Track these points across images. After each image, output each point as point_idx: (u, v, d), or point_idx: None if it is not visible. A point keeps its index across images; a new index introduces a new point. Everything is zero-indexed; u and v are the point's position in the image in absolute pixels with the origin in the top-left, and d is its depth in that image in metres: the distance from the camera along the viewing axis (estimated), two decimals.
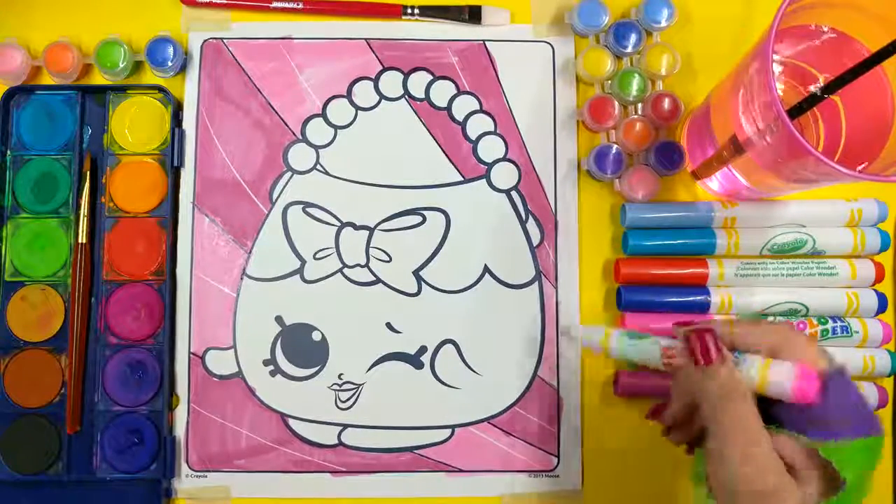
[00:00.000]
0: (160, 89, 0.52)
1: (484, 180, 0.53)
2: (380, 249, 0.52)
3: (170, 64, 0.51)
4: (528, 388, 0.51)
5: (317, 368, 0.51)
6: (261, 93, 0.53)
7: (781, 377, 0.34)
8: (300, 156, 0.52)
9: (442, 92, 0.53)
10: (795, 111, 0.40)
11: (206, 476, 0.50)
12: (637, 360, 0.39)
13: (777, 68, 0.46)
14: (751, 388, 0.35)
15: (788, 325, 0.37)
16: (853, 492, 0.33)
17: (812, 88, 0.45)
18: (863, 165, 0.43)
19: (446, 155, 0.53)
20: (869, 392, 0.50)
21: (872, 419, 0.35)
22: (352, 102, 0.53)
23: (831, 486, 0.33)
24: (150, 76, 0.53)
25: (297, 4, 0.53)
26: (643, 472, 0.51)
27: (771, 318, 0.50)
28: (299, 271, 0.52)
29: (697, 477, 0.36)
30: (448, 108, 0.53)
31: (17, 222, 0.51)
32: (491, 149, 0.53)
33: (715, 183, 0.51)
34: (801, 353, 0.35)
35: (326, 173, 0.52)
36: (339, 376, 0.51)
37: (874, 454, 0.35)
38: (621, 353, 0.40)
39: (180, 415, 0.50)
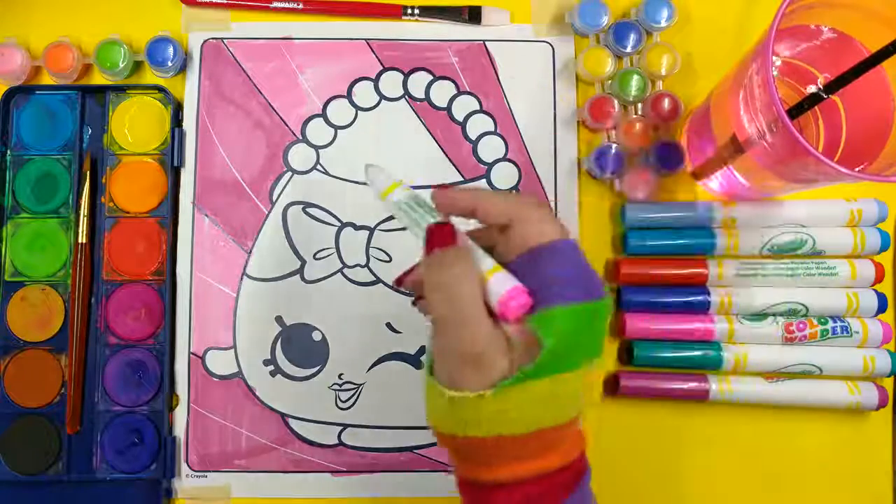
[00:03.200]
0: (160, 89, 0.52)
1: (484, 180, 0.53)
2: (380, 249, 0.52)
3: (170, 64, 0.52)
4: None
5: (317, 368, 0.51)
6: (261, 93, 0.53)
7: (493, 290, 0.34)
8: (300, 156, 0.52)
9: (442, 92, 0.53)
10: (795, 111, 0.40)
11: (206, 476, 0.50)
12: (404, 223, 0.39)
13: (777, 68, 0.46)
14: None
15: (524, 198, 0.36)
16: (554, 359, 0.32)
17: (812, 88, 0.45)
18: (863, 165, 0.43)
19: (446, 155, 0.53)
20: (869, 392, 0.50)
21: (591, 286, 0.34)
22: (352, 103, 0.53)
23: (535, 355, 0.32)
24: (150, 76, 0.53)
25: (297, 5, 0.53)
26: (643, 473, 0.51)
27: (770, 318, 0.50)
28: (299, 271, 0.52)
29: (429, 368, 0.35)
30: (448, 108, 0.53)
31: (17, 222, 0.51)
32: (491, 149, 0.53)
33: (715, 183, 0.51)
34: (532, 227, 0.34)
35: (326, 173, 0.52)
36: (340, 376, 0.51)
37: (587, 320, 0.33)
38: (395, 210, 0.39)
39: (180, 415, 0.50)
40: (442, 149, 0.53)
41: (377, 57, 0.53)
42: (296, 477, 0.50)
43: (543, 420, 0.33)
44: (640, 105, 0.53)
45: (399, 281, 0.40)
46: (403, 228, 0.54)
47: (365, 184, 0.52)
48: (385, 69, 0.53)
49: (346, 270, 0.52)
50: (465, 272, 0.34)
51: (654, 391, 0.50)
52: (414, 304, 0.41)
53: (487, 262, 0.35)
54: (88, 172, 0.51)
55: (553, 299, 0.33)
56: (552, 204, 0.52)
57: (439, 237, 0.36)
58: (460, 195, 0.37)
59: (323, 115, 0.53)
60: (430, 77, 0.53)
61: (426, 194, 0.38)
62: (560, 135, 0.53)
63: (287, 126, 0.53)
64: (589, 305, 0.33)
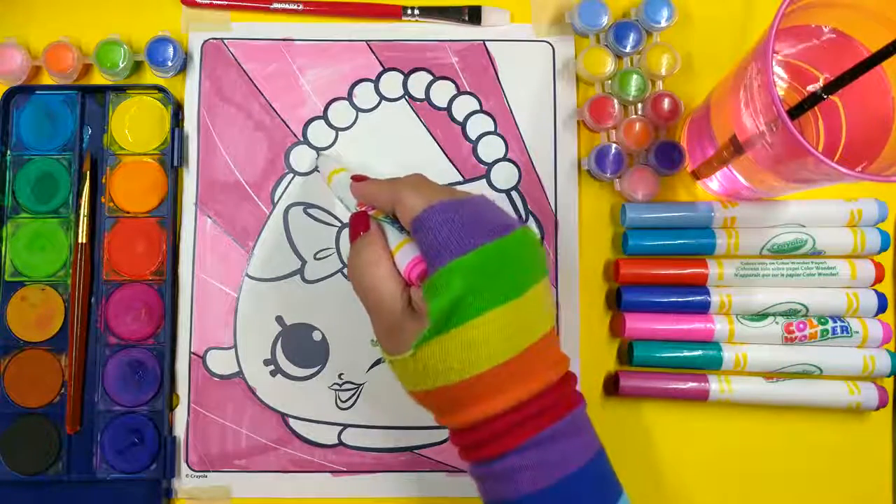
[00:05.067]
0: (160, 89, 0.52)
1: (484, 180, 0.53)
2: None
3: (170, 64, 0.52)
4: None
5: (317, 368, 0.51)
6: (262, 94, 0.53)
7: (399, 264, 0.39)
8: (301, 157, 0.52)
9: (442, 92, 0.53)
10: (795, 111, 0.40)
11: (206, 476, 0.50)
12: (343, 200, 0.46)
13: (777, 68, 0.46)
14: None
15: (402, 180, 0.40)
16: (445, 316, 0.35)
17: (812, 88, 0.45)
18: (863, 165, 0.43)
19: (446, 155, 0.53)
20: (869, 392, 0.50)
21: (465, 241, 0.36)
22: (353, 104, 0.53)
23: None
24: (150, 76, 0.53)
25: (297, 6, 0.53)
26: (643, 472, 0.51)
27: (770, 318, 0.50)
28: (300, 271, 0.52)
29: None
30: (448, 109, 0.53)
31: (17, 222, 0.51)
32: (491, 149, 0.53)
33: (715, 183, 0.51)
34: (404, 206, 0.38)
35: None
36: (340, 376, 0.51)
37: (468, 271, 0.35)
38: (337, 193, 0.47)
39: (180, 415, 0.50)
40: (442, 149, 0.53)
41: (377, 58, 0.53)
42: (296, 477, 0.50)
43: (477, 365, 0.35)
44: (640, 105, 0.53)
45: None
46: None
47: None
48: (385, 70, 0.53)
49: (346, 270, 0.52)
50: (372, 258, 0.39)
51: (654, 391, 0.50)
52: None
53: (396, 238, 0.39)
54: (88, 172, 0.51)
55: (432, 266, 0.36)
56: (552, 204, 0.52)
57: (354, 225, 0.41)
58: (357, 188, 0.43)
59: (324, 116, 0.53)
60: (430, 77, 0.53)
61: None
62: (560, 135, 0.53)
63: (288, 127, 0.53)
64: (463, 259, 0.35)
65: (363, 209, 0.43)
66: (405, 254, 0.38)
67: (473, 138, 0.53)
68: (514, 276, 0.36)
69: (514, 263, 0.37)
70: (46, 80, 0.53)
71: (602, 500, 0.37)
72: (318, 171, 0.51)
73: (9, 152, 0.52)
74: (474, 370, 0.35)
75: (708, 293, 0.50)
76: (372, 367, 0.51)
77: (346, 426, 0.51)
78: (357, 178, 0.44)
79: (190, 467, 0.50)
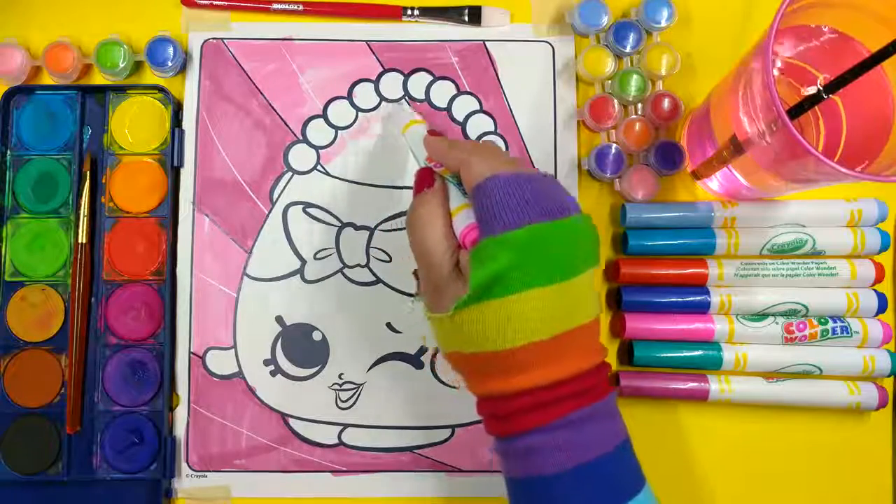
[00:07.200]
0: (160, 89, 0.52)
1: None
2: (380, 249, 0.52)
3: (170, 64, 0.52)
4: None
5: (317, 368, 0.51)
6: (261, 93, 0.53)
7: (456, 227, 0.39)
8: (300, 156, 0.52)
9: (442, 92, 0.53)
10: (795, 111, 0.39)
11: (206, 476, 0.50)
12: (414, 152, 0.47)
13: (777, 68, 0.46)
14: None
15: (471, 144, 0.42)
16: (487, 286, 0.35)
17: (812, 88, 0.45)
18: (863, 165, 0.43)
19: None
20: (869, 392, 0.50)
21: (522, 215, 0.36)
22: (352, 104, 0.53)
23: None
24: (150, 76, 0.53)
25: (297, 6, 0.53)
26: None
27: (770, 318, 0.50)
28: (299, 271, 0.52)
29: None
30: (448, 109, 0.53)
31: (17, 222, 0.51)
32: None
33: (715, 183, 0.51)
34: (470, 170, 0.38)
35: (327, 174, 0.52)
36: (340, 376, 0.51)
37: (518, 246, 0.35)
38: (409, 144, 0.48)
39: (180, 415, 0.50)
40: None
41: (378, 59, 0.53)
42: (296, 477, 0.50)
43: (512, 339, 0.35)
44: (640, 105, 0.53)
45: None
46: (404, 229, 0.54)
47: (365, 184, 0.52)
48: (385, 70, 0.53)
49: (346, 270, 0.52)
50: (429, 216, 0.40)
51: (654, 391, 0.50)
52: None
53: (458, 200, 0.40)
54: (88, 172, 0.51)
55: (483, 235, 0.36)
56: None
57: (419, 179, 0.42)
58: (430, 143, 0.44)
59: (323, 115, 0.53)
60: (431, 77, 0.53)
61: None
62: (560, 135, 0.53)
63: (287, 126, 0.53)
64: (513, 234, 0.36)
65: (432, 164, 0.43)
66: (463, 218, 0.39)
67: (473, 139, 0.53)
68: (562, 260, 0.36)
69: (566, 247, 0.36)
70: (46, 80, 0.53)
71: (621, 488, 0.37)
72: (392, 120, 0.52)
73: (9, 152, 0.52)
74: (508, 344, 0.35)
75: (708, 293, 0.50)
76: (372, 367, 0.51)
77: (346, 426, 0.51)
78: (433, 133, 0.45)
79: (190, 467, 0.50)
